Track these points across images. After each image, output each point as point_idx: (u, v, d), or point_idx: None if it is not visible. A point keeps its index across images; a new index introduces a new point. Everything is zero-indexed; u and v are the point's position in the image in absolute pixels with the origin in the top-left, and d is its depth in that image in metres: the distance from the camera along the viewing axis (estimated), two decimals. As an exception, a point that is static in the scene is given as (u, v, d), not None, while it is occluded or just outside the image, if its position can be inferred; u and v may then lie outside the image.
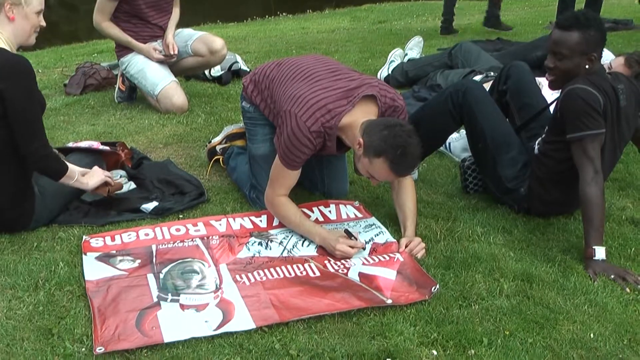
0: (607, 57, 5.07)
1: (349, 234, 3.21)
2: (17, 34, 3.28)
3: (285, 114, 3.19)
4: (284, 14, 10.62)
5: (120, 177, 3.80)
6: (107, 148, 3.81)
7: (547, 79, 3.31)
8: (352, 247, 3.15)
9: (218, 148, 4.10)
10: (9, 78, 3.11)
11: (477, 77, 4.94)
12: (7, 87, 3.10)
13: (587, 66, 3.20)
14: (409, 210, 3.33)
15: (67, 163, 3.36)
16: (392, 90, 3.35)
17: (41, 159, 3.23)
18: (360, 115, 3.17)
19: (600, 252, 3.03)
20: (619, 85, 3.23)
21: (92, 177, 3.48)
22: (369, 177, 3.20)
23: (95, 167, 3.56)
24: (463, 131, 3.91)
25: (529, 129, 3.66)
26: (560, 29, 3.23)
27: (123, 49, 5.25)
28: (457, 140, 4.18)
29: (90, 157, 3.73)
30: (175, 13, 5.37)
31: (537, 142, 3.50)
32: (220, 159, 4.08)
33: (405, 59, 5.94)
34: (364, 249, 3.19)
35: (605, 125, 3.13)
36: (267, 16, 10.52)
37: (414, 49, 6.08)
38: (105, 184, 3.51)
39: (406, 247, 3.17)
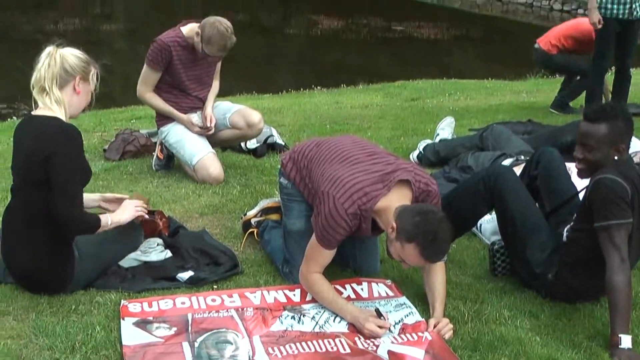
0: (635, 146, 5.14)
1: (378, 314, 3.28)
2: (75, 107, 3.48)
3: (323, 195, 3.31)
4: (318, 87, 10.82)
5: (157, 245, 3.91)
6: (146, 216, 3.94)
7: (576, 167, 3.42)
8: (380, 327, 3.22)
9: (253, 221, 4.21)
10: (57, 145, 3.28)
11: (508, 161, 5.04)
12: (55, 153, 3.26)
13: (615, 157, 3.30)
14: (437, 291, 3.41)
15: (97, 215, 3.52)
16: (426, 175, 3.47)
17: (75, 222, 3.38)
18: (395, 199, 3.29)
19: (626, 341, 3.08)
20: (645, 174, 3.32)
21: (123, 213, 3.66)
22: (401, 260, 3.30)
23: (126, 201, 3.76)
24: (494, 214, 3.99)
25: (558, 215, 3.74)
26: (588, 121, 3.34)
27: (163, 119, 5.42)
28: (489, 222, 4.25)
29: (131, 224, 3.85)
30: (215, 86, 5.56)
31: (566, 228, 3.58)
32: (255, 232, 4.18)
33: (437, 139, 6.06)
34: (391, 331, 3.25)
35: (632, 214, 3.21)
36: (301, 89, 10.71)
37: (446, 129, 6.20)
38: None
39: (434, 327, 3.24)
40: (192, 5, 22.61)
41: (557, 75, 10.29)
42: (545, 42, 8.13)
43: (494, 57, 16.71)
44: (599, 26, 7.20)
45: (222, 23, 5.10)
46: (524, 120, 7.27)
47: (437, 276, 3.44)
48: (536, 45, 8.24)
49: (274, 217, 4.17)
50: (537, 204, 3.82)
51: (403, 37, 19.29)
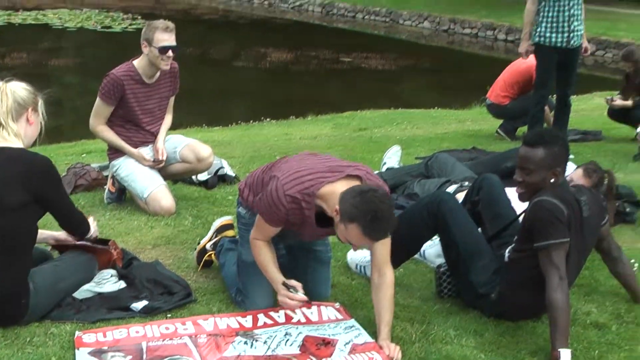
0: (569, 168, 5.35)
1: (286, 286, 3.48)
2: (30, 137, 3.61)
3: (270, 179, 3.48)
4: (267, 119, 10.93)
5: (111, 276, 3.97)
6: (100, 246, 4.00)
7: (516, 190, 3.58)
8: (291, 299, 3.47)
9: (208, 245, 4.29)
10: (48, 177, 3.54)
11: (452, 187, 5.20)
12: (49, 185, 3.54)
13: (552, 180, 3.48)
14: (385, 311, 3.50)
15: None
16: (379, 178, 3.59)
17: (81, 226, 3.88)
18: (341, 187, 3.34)
19: (565, 355, 3.22)
20: (582, 197, 3.50)
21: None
22: (348, 242, 3.37)
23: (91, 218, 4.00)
24: (436, 238, 4.14)
25: (500, 238, 3.90)
26: (527, 145, 3.52)
27: (115, 152, 5.49)
28: (431, 247, 4.39)
29: (85, 255, 3.92)
30: (167, 120, 5.66)
31: (507, 250, 3.73)
32: (212, 255, 4.26)
33: (384, 168, 6.21)
34: (307, 302, 3.51)
35: (569, 234, 3.38)
36: (251, 121, 10.83)
37: (393, 157, 6.36)
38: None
39: (382, 348, 3.35)
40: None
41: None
42: (495, 95, 8.43)
43: (440, 87, 17.02)
44: (526, 57, 7.47)
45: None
46: (468, 148, 7.48)
47: (386, 296, 3.52)
48: (488, 101, 8.54)
49: (230, 233, 4.29)
50: (479, 228, 3.98)
51: (351, 68, 19.56)
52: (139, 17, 26.63)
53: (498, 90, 8.44)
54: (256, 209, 3.56)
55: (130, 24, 25.01)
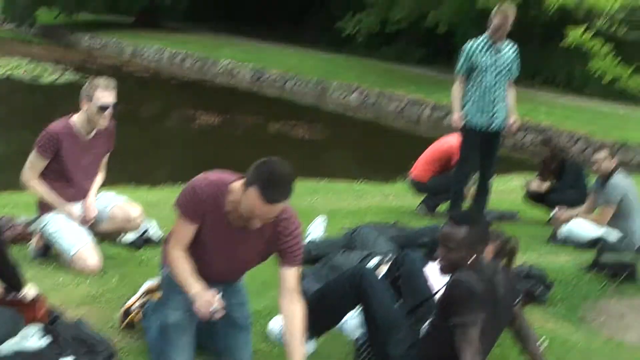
0: None
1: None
2: None
3: None
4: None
5: (37, 332, 4.01)
6: (27, 300, 4.05)
7: (437, 264, 3.79)
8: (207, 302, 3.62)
9: (134, 306, 4.36)
10: None
11: (374, 260, 5.39)
12: None
13: (471, 259, 3.69)
14: (299, 346, 3.70)
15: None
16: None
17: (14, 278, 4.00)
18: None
19: None
20: (497, 277, 3.72)
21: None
22: (250, 217, 3.53)
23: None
24: (356, 311, 4.31)
25: (417, 313, 4.09)
26: (452, 223, 3.74)
27: (46, 207, 5.53)
28: (351, 319, 4.55)
29: (9, 311, 3.95)
30: (100, 177, 5.76)
31: (424, 325, 3.92)
32: (137, 315, 4.32)
33: (308, 239, 6.38)
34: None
35: (484, 313, 3.58)
36: (179, 182, 10.90)
37: (317, 228, 6.54)
38: None
39: None
40: (75, 94, 22.62)
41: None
42: (416, 173, 8.74)
43: (365, 160, 17.37)
44: (456, 125, 7.77)
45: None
46: (390, 223, 7.71)
47: (298, 332, 3.71)
48: (409, 178, 8.85)
49: (158, 296, 4.33)
50: (399, 302, 4.17)
51: (279, 135, 19.80)
52: (71, 69, 26.55)
53: (420, 167, 8.75)
54: (175, 206, 3.75)
55: (60, 76, 24.88)
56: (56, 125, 5.46)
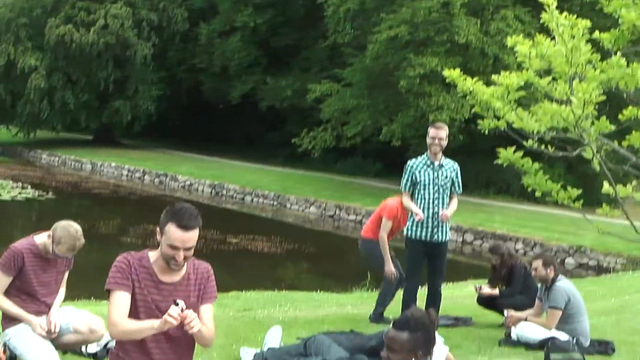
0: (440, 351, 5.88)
1: (175, 302, 3.94)
2: None
3: None
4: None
5: None
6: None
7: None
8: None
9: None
10: None
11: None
12: None
13: (413, 360, 3.94)
14: None
15: None
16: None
17: None
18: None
19: None
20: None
21: None
22: (172, 256, 4.02)
23: None
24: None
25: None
26: (394, 328, 4.00)
27: (9, 321, 5.71)
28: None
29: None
30: (61, 293, 5.97)
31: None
32: None
33: (265, 347, 6.58)
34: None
35: None
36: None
37: (274, 337, 6.75)
38: None
39: None
40: (34, 210, 22.78)
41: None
42: (366, 231, 9.11)
43: (323, 271, 17.65)
44: (420, 217, 8.00)
45: (72, 226, 5.60)
46: (347, 331, 7.92)
47: None
48: (359, 236, 9.22)
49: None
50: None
51: (238, 249, 20.04)
52: (29, 186, 26.72)
53: (366, 226, 9.39)
54: (106, 286, 4.09)
55: (19, 193, 25.01)
56: (20, 244, 5.71)
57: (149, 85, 45.05)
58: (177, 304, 3.91)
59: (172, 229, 3.95)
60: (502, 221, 25.65)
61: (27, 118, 44.57)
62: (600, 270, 20.68)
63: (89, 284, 13.11)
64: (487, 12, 28.64)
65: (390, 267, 8.78)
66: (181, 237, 3.96)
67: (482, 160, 32.06)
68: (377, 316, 8.96)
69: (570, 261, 22.10)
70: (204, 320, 4.22)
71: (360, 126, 30.98)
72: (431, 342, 4.09)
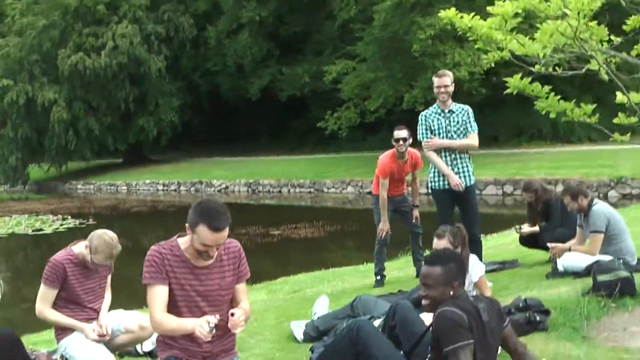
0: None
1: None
2: None
3: None
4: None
5: None
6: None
7: (422, 304, 4.07)
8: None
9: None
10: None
11: (377, 322, 5.63)
12: None
13: (451, 292, 3.98)
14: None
15: None
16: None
17: None
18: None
19: None
20: (480, 305, 4.00)
21: None
22: (205, 251, 4.09)
23: None
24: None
25: (416, 353, 4.34)
26: (426, 264, 4.04)
27: (62, 332, 5.84)
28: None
29: None
30: (107, 297, 6.07)
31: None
32: None
33: (315, 317, 6.63)
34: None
35: (472, 337, 3.84)
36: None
37: (321, 307, 6.81)
38: None
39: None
40: (78, 239, 23.01)
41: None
42: (373, 187, 9.45)
43: (367, 245, 17.60)
44: (461, 188, 8.00)
45: (107, 234, 5.69)
46: (395, 291, 7.96)
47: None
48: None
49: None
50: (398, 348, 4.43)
51: (281, 239, 20.12)
52: (69, 217, 27.06)
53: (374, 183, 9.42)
54: (143, 281, 4.19)
55: (61, 224, 25.38)
56: (59, 256, 5.82)
57: (168, 97, 45.35)
58: (209, 323, 4.04)
59: (204, 231, 4.02)
60: (538, 167, 25.49)
61: (56, 152, 45.12)
62: (644, 197, 20.50)
63: (139, 296, 13.37)
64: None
65: (382, 225, 9.14)
66: (213, 238, 4.05)
67: (509, 109, 31.92)
68: (377, 280, 9.23)
69: (612, 194, 21.92)
70: (242, 296, 4.44)
71: (382, 98, 30.93)
72: (465, 271, 4.13)
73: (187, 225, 4.10)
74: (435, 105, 8.22)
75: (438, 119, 8.10)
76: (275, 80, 41.61)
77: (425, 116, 8.22)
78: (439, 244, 5.95)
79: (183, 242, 4.25)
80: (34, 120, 44.57)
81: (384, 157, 9.11)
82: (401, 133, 8.92)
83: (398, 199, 9.38)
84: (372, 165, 29.73)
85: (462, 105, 8.21)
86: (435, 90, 8.12)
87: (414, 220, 9.32)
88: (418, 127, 8.23)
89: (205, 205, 4.07)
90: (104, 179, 43.73)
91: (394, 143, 8.99)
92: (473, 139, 8.12)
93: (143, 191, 39.10)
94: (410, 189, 9.52)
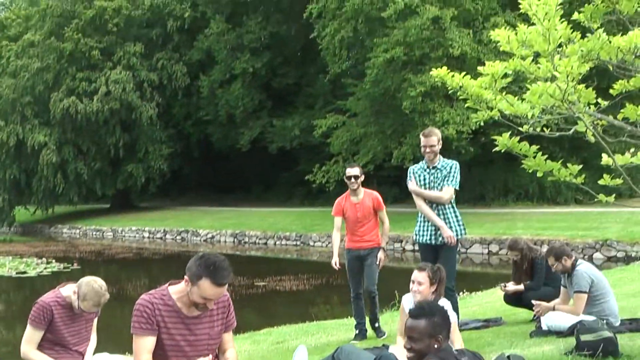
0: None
1: None
2: None
3: None
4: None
5: None
6: None
7: (407, 356, 4.11)
8: None
9: None
10: None
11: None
12: None
13: (436, 345, 4.01)
14: None
15: None
16: None
17: None
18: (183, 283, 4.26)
19: None
20: (463, 358, 4.03)
21: None
22: (204, 303, 4.12)
23: None
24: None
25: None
26: (411, 317, 4.08)
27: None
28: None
29: None
30: (93, 339, 6.13)
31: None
32: None
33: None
34: None
35: None
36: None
37: (301, 357, 6.81)
38: None
39: None
40: (61, 282, 22.84)
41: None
42: None
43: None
44: (452, 242, 8.09)
45: (96, 282, 5.71)
46: (379, 345, 7.95)
47: None
48: None
49: None
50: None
51: (266, 291, 20.06)
52: (53, 260, 26.92)
53: None
54: (132, 330, 4.22)
55: (45, 268, 25.23)
56: (47, 297, 5.83)
57: (159, 144, 45.46)
58: None
59: (207, 285, 4.08)
60: (525, 227, 25.61)
61: (44, 194, 45.04)
62: (629, 260, 20.57)
63: (124, 342, 13.30)
64: (477, 22, 28.85)
65: (332, 260, 9.17)
66: (216, 292, 4.12)
67: (497, 169, 32.16)
68: (356, 335, 9.32)
69: (598, 256, 22.00)
70: (229, 344, 4.55)
71: (371, 154, 31.10)
72: (449, 324, 4.17)
73: (186, 277, 4.13)
74: (423, 161, 8.37)
75: (423, 174, 8.28)
76: (265, 131, 41.82)
77: (413, 170, 8.45)
78: (419, 275, 6.11)
79: (175, 291, 4.28)
80: (23, 162, 44.59)
81: (338, 198, 9.15)
82: (352, 170, 8.90)
83: (363, 253, 9.10)
84: (359, 219, 29.12)
85: (449, 161, 8.35)
86: (422, 148, 8.28)
87: (377, 262, 9.05)
88: (408, 180, 8.40)
89: (210, 260, 4.11)
90: (90, 223, 43.59)
91: (345, 180, 8.98)
92: (443, 192, 8.25)
93: (129, 238, 38.98)
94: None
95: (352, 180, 8.87)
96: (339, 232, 9.19)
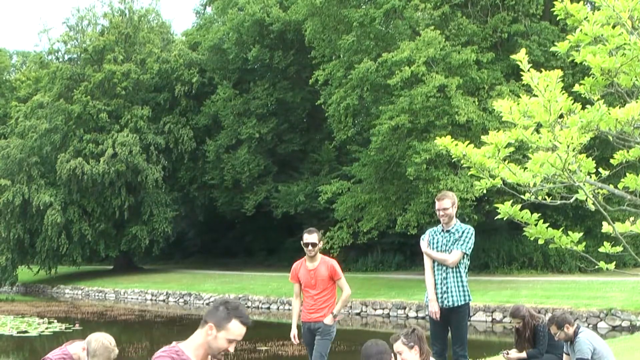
0: None
1: None
2: None
3: None
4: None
5: None
6: None
7: None
8: None
9: None
10: None
11: None
12: None
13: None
14: None
15: None
16: None
17: None
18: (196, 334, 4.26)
19: None
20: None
21: None
22: (227, 347, 4.16)
23: None
24: None
25: None
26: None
27: None
28: None
29: None
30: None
31: None
32: None
33: None
34: None
35: None
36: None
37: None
38: None
39: None
40: (62, 343, 22.80)
41: None
42: None
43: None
44: (436, 317, 8.26)
45: (105, 337, 5.80)
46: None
47: None
48: None
49: None
50: None
51: (268, 356, 19.98)
52: (55, 320, 26.86)
53: None
54: None
55: (46, 328, 25.18)
56: (53, 354, 5.91)
57: (164, 207, 45.61)
58: None
59: (236, 326, 4.15)
60: (529, 295, 25.53)
61: (47, 254, 45.03)
62: (633, 329, 20.49)
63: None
64: (482, 90, 29.16)
65: (291, 333, 9.04)
66: (242, 333, 4.20)
67: (501, 237, 32.19)
68: None
69: (602, 325, 21.90)
70: None
71: (375, 220, 31.13)
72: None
73: (210, 324, 4.15)
74: (440, 224, 8.54)
75: (437, 237, 8.44)
76: (270, 197, 41.99)
77: (430, 232, 8.64)
78: (396, 346, 6.16)
79: (186, 347, 4.31)
80: (28, 222, 44.70)
81: (294, 264, 9.08)
82: (310, 237, 8.74)
83: (314, 326, 8.86)
84: (363, 286, 30.04)
85: (464, 226, 8.50)
86: (436, 212, 8.46)
87: (325, 321, 8.71)
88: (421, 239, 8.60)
89: (234, 303, 4.24)
90: (92, 284, 43.51)
91: (303, 247, 8.81)
92: (451, 255, 8.37)
93: (131, 299, 38.86)
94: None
95: (310, 247, 8.72)
96: (298, 299, 9.02)
